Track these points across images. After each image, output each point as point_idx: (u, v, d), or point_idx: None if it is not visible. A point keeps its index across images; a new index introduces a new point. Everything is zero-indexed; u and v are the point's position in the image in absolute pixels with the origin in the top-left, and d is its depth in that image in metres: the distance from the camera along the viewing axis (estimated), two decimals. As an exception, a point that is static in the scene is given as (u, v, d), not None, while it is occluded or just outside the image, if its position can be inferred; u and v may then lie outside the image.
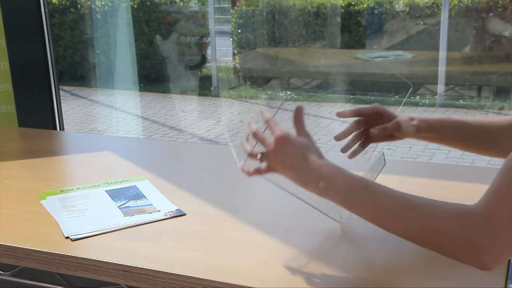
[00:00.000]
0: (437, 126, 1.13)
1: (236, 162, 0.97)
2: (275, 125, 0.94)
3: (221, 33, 7.12)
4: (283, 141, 0.92)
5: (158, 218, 1.13)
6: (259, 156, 0.95)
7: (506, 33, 5.61)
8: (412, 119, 1.12)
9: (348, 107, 5.96)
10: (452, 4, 5.72)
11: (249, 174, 0.97)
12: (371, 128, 1.11)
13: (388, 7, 6.37)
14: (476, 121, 1.16)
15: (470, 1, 5.71)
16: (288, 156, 0.91)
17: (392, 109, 1.12)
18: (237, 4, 7.03)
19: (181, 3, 6.99)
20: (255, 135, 0.96)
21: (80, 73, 7.13)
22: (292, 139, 0.92)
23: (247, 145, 0.97)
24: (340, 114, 1.13)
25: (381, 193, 0.87)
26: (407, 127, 1.10)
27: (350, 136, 1.14)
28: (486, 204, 0.81)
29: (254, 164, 0.96)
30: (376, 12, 6.36)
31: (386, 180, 1.15)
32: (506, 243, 0.80)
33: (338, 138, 1.12)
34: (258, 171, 0.96)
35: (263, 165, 0.95)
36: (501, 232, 0.79)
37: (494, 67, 5.81)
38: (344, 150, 1.14)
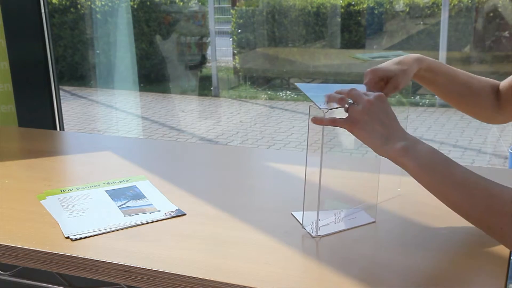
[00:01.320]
0: (434, 68, 1.14)
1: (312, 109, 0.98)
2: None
3: (221, 33, 7.12)
4: (383, 98, 0.96)
5: (158, 218, 1.13)
6: (347, 104, 0.96)
7: (506, 33, 5.61)
8: (410, 60, 1.11)
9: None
10: (452, 4, 5.72)
11: (322, 122, 0.97)
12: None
13: (388, 7, 6.36)
14: (465, 75, 1.18)
15: (470, 1, 5.71)
16: (382, 111, 0.94)
17: (387, 64, 1.11)
18: (237, 4, 7.03)
19: (181, 3, 6.99)
20: (350, 93, 0.98)
21: (80, 73, 7.13)
22: (380, 99, 0.96)
23: (335, 95, 0.99)
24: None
25: (458, 168, 0.90)
26: (406, 80, 1.11)
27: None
28: None
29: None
30: (376, 12, 6.36)
31: (386, 180, 1.15)
32: None
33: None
34: (333, 122, 0.97)
35: (344, 117, 0.96)
36: None
37: (494, 67, 5.81)
38: None
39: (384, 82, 1.11)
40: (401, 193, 1.22)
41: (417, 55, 1.14)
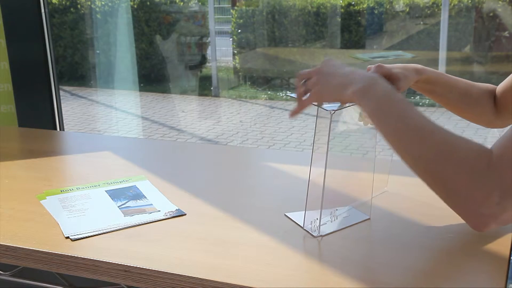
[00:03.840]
0: (433, 79, 1.15)
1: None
2: None
3: (221, 33, 7.12)
4: (329, 61, 0.99)
5: (158, 218, 1.13)
6: (302, 82, 1.00)
7: (506, 33, 5.61)
8: (411, 69, 1.12)
9: (348, 107, 5.96)
10: (452, 4, 5.72)
11: (297, 111, 1.01)
12: None
13: (388, 7, 6.37)
14: (464, 83, 1.18)
15: (470, 1, 5.71)
16: (333, 68, 0.97)
17: (393, 66, 1.12)
18: (237, 4, 7.03)
19: (181, 3, 6.99)
20: (301, 74, 1.02)
21: (80, 73, 7.13)
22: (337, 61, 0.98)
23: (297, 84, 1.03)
24: None
25: (413, 113, 0.88)
26: (405, 86, 1.11)
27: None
28: (499, 154, 0.79)
29: None
30: (376, 12, 6.36)
31: (386, 180, 1.15)
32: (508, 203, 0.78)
33: None
34: (303, 104, 1.00)
35: (308, 95, 0.99)
36: (508, 190, 0.77)
37: (494, 67, 5.81)
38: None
39: (387, 79, 1.11)
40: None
41: (417, 66, 1.14)
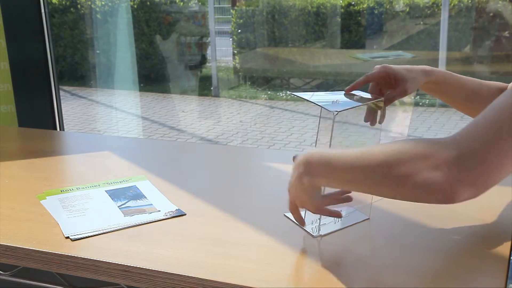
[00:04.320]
0: (441, 80, 1.14)
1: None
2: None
3: (221, 33, 7.13)
4: (288, 192, 0.99)
5: (158, 218, 1.13)
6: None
7: (506, 33, 5.61)
8: (419, 71, 1.12)
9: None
10: (452, 4, 5.72)
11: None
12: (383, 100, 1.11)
13: (388, 7, 6.37)
14: (473, 82, 1.17)
15: (470, 1, 5.71)
16: (297, 197, 0.97)
17: (399, 67, 1.11)
18: (237, 4, 7.03)
19: (181, 3, 7.00)
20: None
21: (80, 73, 7.14)
22: (292, 180, 0.97)
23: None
24: (349, 89, 1.11)
25: (340, 155, 0.88)
26: (413, 88, 1.11)
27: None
28: (462, 131, 0.78)
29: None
30: (376, 12, 6.37)
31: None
32: (483, 171, 0.76)
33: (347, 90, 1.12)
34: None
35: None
36: (479, 158, 0.75)
37: (494, 67, 5.81)
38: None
39: (393, 80, 1.11)
40: None
41: (425, 67, 1.14)
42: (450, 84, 1.16)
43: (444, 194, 0.77)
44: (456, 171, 0.75)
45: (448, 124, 5.13)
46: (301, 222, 1.01)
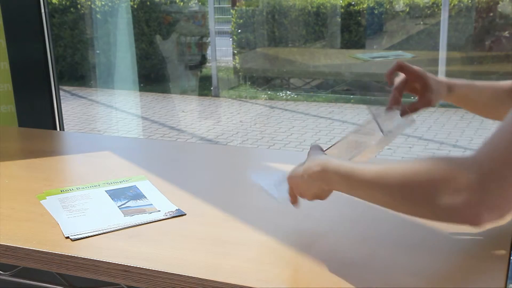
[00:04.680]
0: (463, 93, 1.15)
1: None
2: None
3: (221, 33, 7.13)
4: (289, 180, 1.03)
5: (158, 218, 1.13)
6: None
7: (506, 33, 5.62)
8: (444, 85, 1.13)
9: (348, 107, 5.97)
10: (452, 4, 5.72)
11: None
12: (404, 109, 1.12)
13: (388, 7, 6.37)
14: (491, 87, 1.18)
15: (470, 1, 5.71)
16: (299, 187, 1.01)
17: (430, 75, 1.13)
18: (237, 4, 7.04)
19: (181, 3, 7.00)
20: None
21: (80, 73, 7.14)
22: (291, 174, 1.01)
23: None
24: (390, 103, 1.13)
25: (362, 169, 0.88)
26: (436, 101, 1.12)
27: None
28: (479, 150, 0.76)
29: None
30: (376, 12, 6.37)
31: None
32: (506, 193, 0.74)
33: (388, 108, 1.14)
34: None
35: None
36: (502, 180, 0.73)
37: (494, 67, 5.81)
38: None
39: (420, 86, 1.13)
40: None
41: (449, 82, 1.14)
42: (471, 97, 1.17)
43: (467, 219, 0.76)
44: (479, 195, 0.74)
45: (448, 124, 5.13)
46: (296, 204, 1.06)
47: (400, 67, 1.15)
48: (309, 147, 1.04)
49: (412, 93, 1.15)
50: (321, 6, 6.40)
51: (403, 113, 1.12)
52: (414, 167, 0.81)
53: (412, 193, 0.81)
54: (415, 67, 1.15)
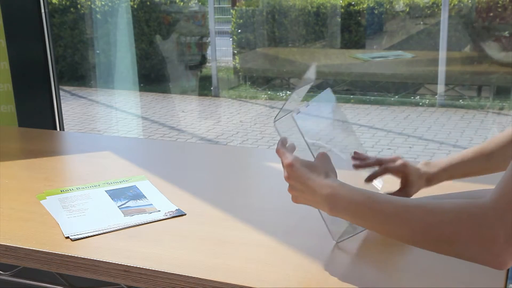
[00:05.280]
0: (445, 178, 1.15)
1: None
2: (283, 155, 0.97)
3: (221, 33, 7.12)
4: (290, 168, 0.96)
5: (158, 218, 1.13)
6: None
7: (506, 33, 5.62)
8: (423, 179, 1.13)
9: (348, 107, 5.97)
10: (452, 4, 5.72)
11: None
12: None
13: (388, 7, 6.37)
14: (481, 154, 1.15)
15: (470, 1, 5.71)
16: (296, 182, 0.96)
17: (416, 171, 1.13)
18: (237, 4, 7.03)
19: (181, 3, 6.99)
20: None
21: (80, 73, 7.13)
22: (297, 164, 0.95)
23: None
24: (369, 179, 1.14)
25: (382, 200, 0.87)
26: (413, 192, 1.13)
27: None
28: (498, 197, 0.77)
29: None
30: (376, 12, 6.37)
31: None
32: None
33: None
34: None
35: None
36: None
37: (494, 67, 5.81)
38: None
39: (401, 178, 1.14)
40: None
41: (429, 174, 1.13)
42: (458, 174, 1.15)
43: (493, 265, 0.77)
44: (505, 249, 0.75)
45: (448, 124, 5.13)
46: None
47: (385, 171, 1.14)
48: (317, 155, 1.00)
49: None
50: (321, 6, 6.40)
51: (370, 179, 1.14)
52: (435, 213, 0.81)
53: (434, 241, 0.81)
54: (397, 164, 1.13)
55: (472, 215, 0.77)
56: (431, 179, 1.14)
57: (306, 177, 0.94)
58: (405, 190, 1.13)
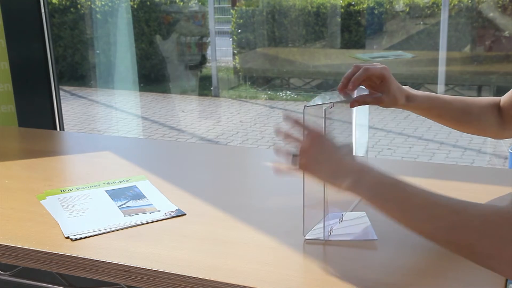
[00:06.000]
0: (424, 106, 1.14)
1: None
2: (308, 126, 0.96)
3: (221, 33, 7.12)
4: (318, 138, 0.95)
5: (158, 218, 1.13)
6: (292, 155, 0.97)
7: (506, 33, 5.61)
8: (403, 93, 1.12)
9: (348, 107, 5.97)
10: (452, 4, 5.72)
11: (279, 171, 0.99)
12: (353, 100, 1.11)
13: (388, 7, 6.37)
14: (461, 102, 1.18)
15: (470, 1, 5.71)
16: (322, 151, 0.94)
17: (394, 80, 1.11)
18: (237, 4, 7.03)
19: (181, 3, 6.99)
20: (287, 136, 0.98)
21: (80, 73, 7.13)
22: (327, 136, 0.95)
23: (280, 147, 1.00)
24: (351, 88, 1.10)
25: (411, 190, 0.85)
26: (389, 104, 1.11)
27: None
28: None
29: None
30: (376, 12, 6.36)
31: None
32: None
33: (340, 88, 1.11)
34: (289, 170, 0.98)
35: (295, 165, 0.96)
36: None
37: (494, 67, 5.81)
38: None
39: (378, 85, 1.12)
40: None
41: (409, 92, 1.13)
42: (435, 108, 1.16)
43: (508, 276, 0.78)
44: None
45: (448, 124, 5.12)
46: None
47: (366, 75, 1.10)
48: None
49: (369, 88, 1.13)
50: (321, 6, 6.40)
51: (352, 104, 1.11)
52: (462, 217, 0.80)
53: (455, 243, 0.80)
54: (379, 66, 1.11)
55: (497, 226, 0.76)
56: (411, 98, 1.13)
57: (336, 149, 0.93)
58: (380, 98, 1.10)
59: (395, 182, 0.87)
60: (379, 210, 0.88)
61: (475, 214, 0.79)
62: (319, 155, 0.94)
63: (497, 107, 1.19)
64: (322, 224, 1.02)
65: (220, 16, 7.23)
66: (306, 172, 0.96)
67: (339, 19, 6.40)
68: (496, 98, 1.21)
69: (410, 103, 1.13)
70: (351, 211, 1.13)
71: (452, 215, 0.80)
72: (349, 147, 0.98)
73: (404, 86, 1.14)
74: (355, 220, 1.10)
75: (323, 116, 0.98)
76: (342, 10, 6.36)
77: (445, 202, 0.82)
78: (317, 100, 1.02)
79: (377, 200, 0.87)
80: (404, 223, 0.86)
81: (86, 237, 1.06)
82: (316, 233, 1.03)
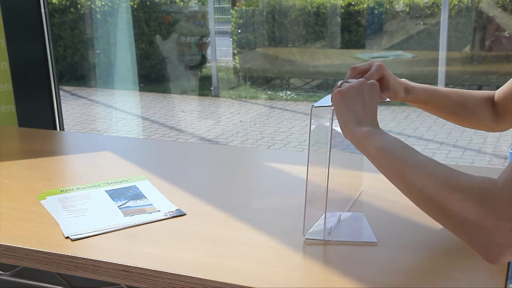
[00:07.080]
0: (422, 99, 1.15)
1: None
2: (367, 75, 1.05)
3: (221, 33, 7.12)
4: (375, 87, 1.02)
5: (158, 218, 1.13)
6: (339, 83, 1.02)
7: (506, 33, 5.61)
8: (401, 86, 1.13)
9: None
10: (452, 4, 5.72)
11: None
12: None
13: (388, 7, 6.36)
14: (458, 95, 1.19)
15: (470, 1, 5.71)
16: (368, 95, 0.99)
17: (391, 74, 1.12)
18: (237, 4, 7.03)
19: (181, 3, 6.99)
20: (354, 69, 1.09)
21: (80, 73, 7.13)
22: (372, 86, 1.01)
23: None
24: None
25: (419, 153, 0.89)
26: (390, 98, 1.12)
27: None
28: (506, 182, 0.76)
29: None
30: (376, 12, 6.36)
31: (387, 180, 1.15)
32: None
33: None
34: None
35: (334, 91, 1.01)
36: None
37: (494, 67, 5.81)
38: None
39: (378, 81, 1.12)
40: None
41: (407, 84, 1.14)
42: (433, 101, 1.16)
43: (484, 253, 0.78)
44: (504, 240, 0.75)
45: (448, 124, 5.12)
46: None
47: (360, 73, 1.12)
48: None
49: None
50: (321, 6, 6.39)
51: None
52: (454, 176, 0.82)
53: (442, 203, 0.81)
54: (376, 69, 1.12)
55: (482, 191, 0.77)
56: (409, 91, 1.14)
57: (375, 106, 0.99)
58: (381, 95, 1.11)
59: (408, 146, 0.91)
60: (381, 162, 0.92)
61: (467, 177, 0.81)
62: (364, 96, 0.98)
63: (492, 101, 1.20)
64: (321, 223, 1.03)
65: (220, 16, 7.23)
66: (338, 97, 0.99)
67: (339, 19, 6.40)
68: (490, 92, 1.22)
69: (408, 95, 1.14)
70: (347, 210, 1.13)
71: (446, 175, 0.83)
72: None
73: (401, 79, 1.15)
74: (353, 221, 1.10)
75: (331, 117, 0.99)
76: (342, 10, 6.36)
77: (443, 164, 0.86)
78: (324, 100, 1.03)
79: (385, 152, 0.91)
80: (399, 181, 0.89)
81: (86, 237, 1.06)
82: (315, 232, 1.03)
